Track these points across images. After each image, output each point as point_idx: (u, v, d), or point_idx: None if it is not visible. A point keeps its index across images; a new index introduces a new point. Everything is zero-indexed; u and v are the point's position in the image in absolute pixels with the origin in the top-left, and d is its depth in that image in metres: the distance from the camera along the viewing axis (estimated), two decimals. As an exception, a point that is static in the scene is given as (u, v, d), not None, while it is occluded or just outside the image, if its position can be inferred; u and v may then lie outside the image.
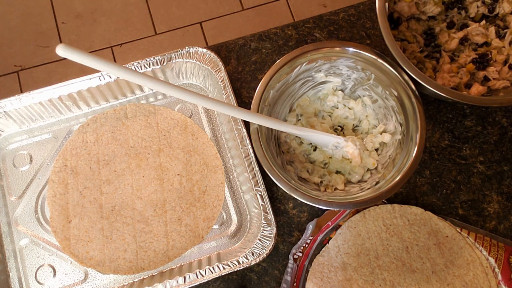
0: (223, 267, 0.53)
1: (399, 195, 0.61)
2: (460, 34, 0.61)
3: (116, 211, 0.58)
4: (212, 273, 0.53)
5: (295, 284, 0.55)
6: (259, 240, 0.54)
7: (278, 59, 0.55)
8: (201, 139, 0.61)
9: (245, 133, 0.57)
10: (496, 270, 0.54)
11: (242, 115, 0.51)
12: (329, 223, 0.57)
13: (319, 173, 0.57)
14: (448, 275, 0.54)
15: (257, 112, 0.53)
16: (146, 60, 0.60)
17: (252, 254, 0.54)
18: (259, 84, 0.54)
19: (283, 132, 0.59)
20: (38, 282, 0.56)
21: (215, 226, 0.59)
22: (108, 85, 0.60)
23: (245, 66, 0.67)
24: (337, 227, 0.57)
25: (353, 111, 0.60)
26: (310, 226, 0.58)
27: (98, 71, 0.58)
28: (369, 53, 0.54)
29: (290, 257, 0.57)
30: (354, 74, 0.58)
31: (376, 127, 0.59)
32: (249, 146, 0.56)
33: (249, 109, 0.53)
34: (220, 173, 0.60)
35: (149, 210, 0.58)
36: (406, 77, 0.53)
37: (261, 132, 0.53)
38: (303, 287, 0.55)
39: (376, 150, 0.59)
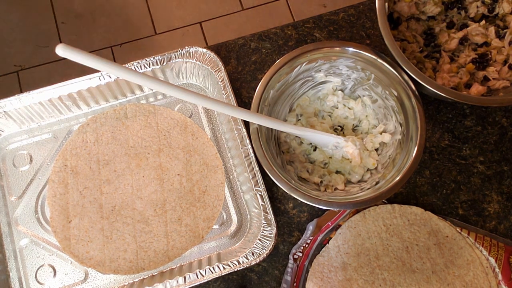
0: (223, 267, 0.53)
1: (399, 195, 0.61)
2: (460, 34, 0.61)
3: (116, 211, 0.58)
4: (212, 273, 0.53)
5: (295, 284, 0.55)
6: (259, 240, 0.54)
7: (278, 59, 0.55)
8: (201, 139, 0.61)
9: (245, 133, 0.57)
10: (497, 270, 0.54)
11: (242, 115, 0.51)
12: (329, 223, 0.57)
13: (319, 173, 0.57)
14: (448, 275, 0.54)
15: (257, 112, 0.53)
16: (146, 60, 0.60)
17: (252, 254, 0.54)
18: (259, 84, 0.54)
19: (283, 132, 0.59)
20: (38, 282, 0.56)
21: (215, 226, 0.59)
22: (108, 85, 0.60)
23: (245, 66, 0.67)
24: (337, 227, 0.57)
25: (353, 111, 0.60)
26: (310, 227, 0.58)
27: (98, 71, 0.58)
28: (369, 53, 0.54)
29: (290, 257, 0.57)
30: (354, 74, 0.58)
31: (376, 127, 0.59)
32: (249, 146, 0.56)
33: (249, 109, 0.53)
34: (220, 173, 0.60)
35: (149, 210, 0.58)
36: (406, 77, 0.53)
37: (261, 132, 0.53)
38: (303, 287, 0.55)
39: (376, 150, 0.59)
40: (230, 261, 0.53)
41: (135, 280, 0.56)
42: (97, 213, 0.57)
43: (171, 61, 0.61)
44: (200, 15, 1.51)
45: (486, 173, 0.62)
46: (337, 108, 0.61)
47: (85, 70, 0.53)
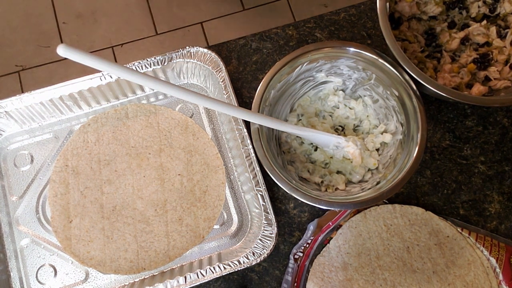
0: (224, 267, 0.53)
1: (400, 195, 0.61)
2: (461, 34, 0.61)
3: (117, 211, 0.58)
4: (213, 273, 0.53)
5: (295, 284, 0.55)
6: (260, 240, 0.54)
7: (279, 59, 0.55)
8: (202, 139, 0.61)
9: (246, 133, 0.57)
10: (497, 270, 0.54)
11: (243, 115, 0.51)
12: (330, 223, 0.57)
13: (320, 173, 0.57)
14: (449, 275, 0.54)
15: (258, 112, 0.53)
16: (147, 60, 0.61)
17: (253, 254, 0.54)
18: (260, 84, 0.54)
19: (284, 132, 0.59)
20: (39, 282, 0.56)
21: (216, 226, 0.59)
22: (109, 85, 0.60)
23: (246, 66, 0.67)
24: (338, 227, 0.57)
25: (354, 111, 0.60)
26: (311, 227, 0.58)
27: (99, 71, 0.58)
28: (370, 53, 0.54)
29: (291, 257, 0.57)
30: (355, 74, 0.58)
31: (377, 127, 0.59)
32: (250, 146, 0.56)
33: (250, 109, 0.53)
34: (221, 173, 0.60)
35: (150, 210, 0.58)
36: (407, 77, 0.53)
37: (262, 132, 0.53)
38: (303, 287, 0.55)
39: (377, 150, 0.59)
40: (231, 261, 0.53)
41: (135, 280, 0.56)
42: (98, 213, 0.57)
43: (172, 61, 0.61)
44: (201, 15, 1.51)
45: (487, 173, 0.62)
46: (338, 108, 0.61)
47: (86, 70, 0.53)
